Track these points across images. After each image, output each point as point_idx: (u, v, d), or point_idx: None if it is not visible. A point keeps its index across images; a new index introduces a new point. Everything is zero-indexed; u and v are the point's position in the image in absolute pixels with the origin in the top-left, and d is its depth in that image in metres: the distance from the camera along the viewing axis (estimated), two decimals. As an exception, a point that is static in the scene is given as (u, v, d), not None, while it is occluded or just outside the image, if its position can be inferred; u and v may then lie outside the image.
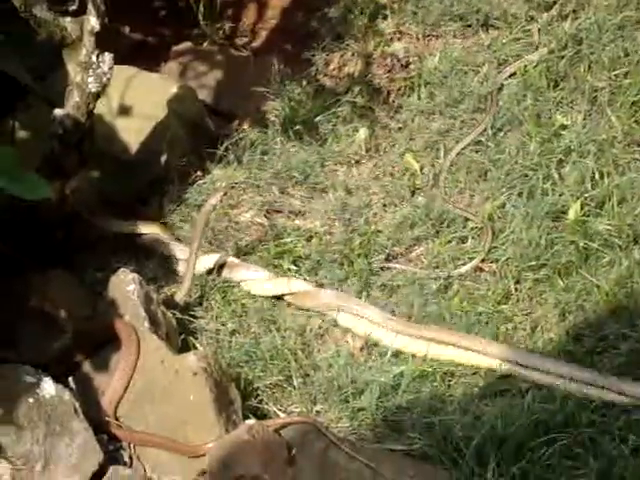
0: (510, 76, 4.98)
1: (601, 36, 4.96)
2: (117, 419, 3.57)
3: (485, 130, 4.76)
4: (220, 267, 4.30)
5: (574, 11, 5.10)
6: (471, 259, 4.33)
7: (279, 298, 4.23)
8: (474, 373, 3.94)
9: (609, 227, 4.32)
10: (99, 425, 3.50)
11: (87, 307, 3.99)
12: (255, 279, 4.28)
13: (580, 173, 4.52)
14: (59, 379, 3.51)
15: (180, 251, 4.37)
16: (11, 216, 3.85)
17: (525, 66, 4.95)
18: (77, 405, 3.44)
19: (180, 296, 4.16)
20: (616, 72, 4.85)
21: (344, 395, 3.86)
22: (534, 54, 4.97)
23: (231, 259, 4.32)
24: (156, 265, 4.37)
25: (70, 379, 3.62)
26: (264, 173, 4.70)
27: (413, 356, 3.99)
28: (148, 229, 4.45)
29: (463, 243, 4.42)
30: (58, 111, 4.01)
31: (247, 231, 4.54)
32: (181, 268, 4.31)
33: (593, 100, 4.82)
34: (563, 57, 4.94)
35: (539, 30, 5.06)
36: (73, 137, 4.04)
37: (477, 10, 5.12)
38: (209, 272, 4.28)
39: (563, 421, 3.65)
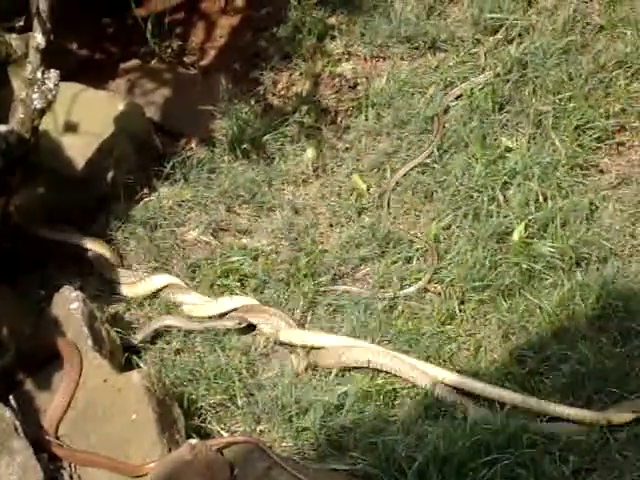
0: (456, 98, 5.02)
1: (546, 60, 5.01)
2: (58, 438, 3.55)
3: (432, 152, 4.79)
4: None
5: (520, 35, 5.15)
6: (417, 279, 4.35)
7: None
8: (417, 394, 3.96)
9: (552, 249, 4.36)
10: (40, 444, 3.47)
11: (30, 324, 3.96)
12: (196, 303, 4.30)
13: (524, 195, 4.57)
14: (0, 397, 3.47)
15: (123, 271, 4.40)
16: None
17: (471, 89, 5.00)
18: (18, 424, 3.41)
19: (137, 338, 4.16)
20: (560, 96, 4.91)
21: (288, 415, 3.85)
22: (480, 77, 5.02)
23: (175, 281, 4.34)
24: (100, 282, 4.34)
25: (11, 397, 3.57)
26: (211, 191, 4.70)
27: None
28: (93, 246, 4.43)
29: (409, 263, 4.44)
30: (1, 127, 3.99)
31: (193, 249, 4.53)
32: (124, 290, 4.34)
33: (538, 123, 4.87)
34: (509, 80, 4.99)
35: (485, 53, 5.10)
36: (17, 153, 4.02)
37: (425, 33, 5.15)
38: (154, 293, 4.28)
39: (505, 442, 3.67)
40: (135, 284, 4.35)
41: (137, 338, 4.13)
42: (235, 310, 4.26)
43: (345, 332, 4.17)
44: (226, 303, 4.28)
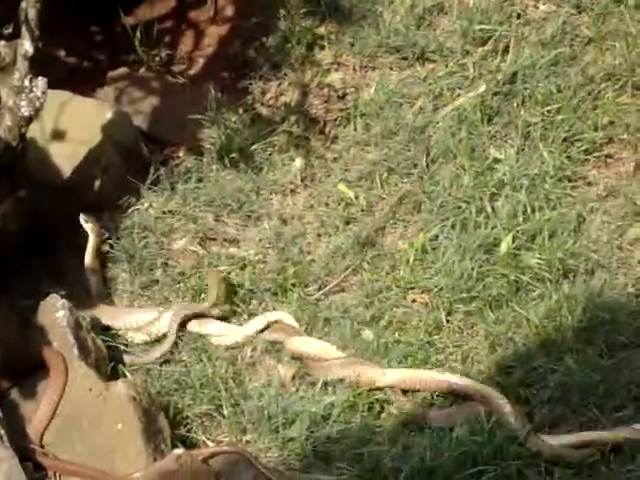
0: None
1: (535, 72, 5.02)
2: (43, 447, 3.53)
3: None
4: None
5: (509, 47, 5.15)
6: (403, 289, 4.35)
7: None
8: (403, 405, 3.96)
9: (540, 261, 4.37)
10: (25, 453, 3.45)
11: (16, 333, 3.94)
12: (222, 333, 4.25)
13: (512, 207, 4.57)
14: (-16, 406, 3.46)
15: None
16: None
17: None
18: (3, 432, 3.39)
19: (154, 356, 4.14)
20: (549, 108, 4.92)
21: (274, 425, 3.85)
22: (471, 92, 5.02)
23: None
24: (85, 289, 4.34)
25: (-4, 406, 3.57)
26: (198, 201, 4.69)
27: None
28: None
29: (394, 273, 4.43)
30: (-12, 134, 3.99)
31: (180, 259, 4.52)
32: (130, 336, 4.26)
33: (526, 135, 4.88)
34: (497, 92, 5.00)
35: (474, 64, 5.11)
36: (4, 160, 4.01)
37: (414, 43, 5.16)
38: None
39: (491, 453, 3.68)
40: (142, 329, 4.24)
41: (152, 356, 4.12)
42: (267, 328, 4.23)
43: (333, 342, 4.17)
44: (254, 325, 4.24)
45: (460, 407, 3.93)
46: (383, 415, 3.94)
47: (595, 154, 4.86)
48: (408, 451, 3.72)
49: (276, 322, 4.24)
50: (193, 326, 4.23)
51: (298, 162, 4.89)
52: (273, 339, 4.20)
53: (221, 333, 4.22)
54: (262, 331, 4.22)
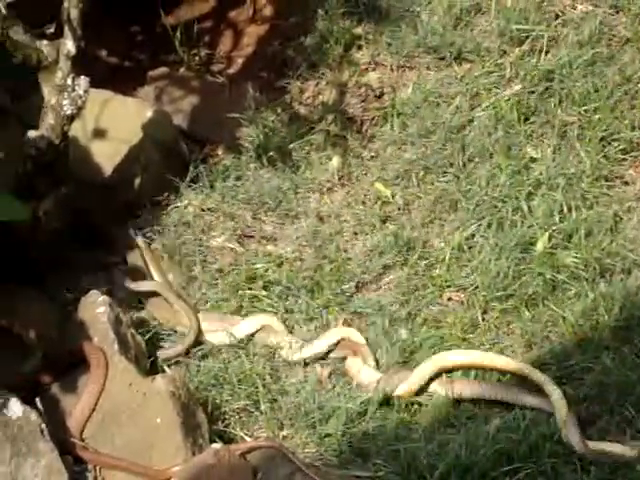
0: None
1: (572, 72, 5.01)
2: (83, 440, 3.58)
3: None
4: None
5: (546, 46, 5.14)
6: (439, 287, 4.37)
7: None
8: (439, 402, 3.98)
9: (576, 260, 4.37)
10: (65, 446, 3.50)
11: (57, 328, 4.00)
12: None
13: (549, 206, 4.57)
14: (26, 400, 3.50)
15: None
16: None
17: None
18: (44, 426, 3.43)
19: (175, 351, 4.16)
20: (586, 107, 4.91)
21: (311, 421, 3.88)
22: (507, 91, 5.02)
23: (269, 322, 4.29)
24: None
25: (37, 400, 3.62)
26: (237, 199, 4.72)
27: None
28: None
29: (431, 271, 4.45)
30: (32, 132, 4.04)
31: (219, 256, 4.56)
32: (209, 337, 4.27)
33: (563, 134, 4.87)
34: (534, 91, 4.99)
35: (511, 64, 5.10)
36: (46, 158, 4.06)
37: (451, 43, 5.16)
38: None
39: (527, 451, 3.69)
40: (217, 331, 4.25)
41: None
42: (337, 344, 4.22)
43: (370, 340, 4.19)
44: (324, 342, 4.23)
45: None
46: (418, 411, 3.96)
47: (632, 154, 4.84)
48: (443, 448, 3.72)
49: (343, 339, 4.22)
50: (262, 337, 4.25)
51: (335, 161, 4.91)
52: (340, 357, 4.19)
53: (289, 347, 4.20)
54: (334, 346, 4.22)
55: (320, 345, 4.19)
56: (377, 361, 4.13)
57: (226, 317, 4.30)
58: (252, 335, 4.24)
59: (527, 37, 5.18)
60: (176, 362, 4.10)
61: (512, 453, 3.67)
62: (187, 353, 4.15)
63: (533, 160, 4.79)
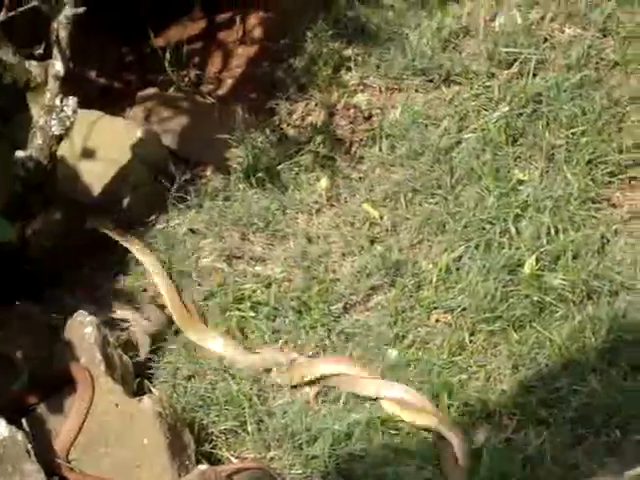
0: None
1: (560, 95, 5.02)
2: (69, 462, 3.57)
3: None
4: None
5: (534, 69, 5.17)
6: (427, 309, 4.38)
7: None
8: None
9: (563, 282, 4.38)
10: (51, 468, 3.49)
11: (44, 349, 3.99)
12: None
13: (536, 228, 4.59)
14: (12, 420, 3.49)
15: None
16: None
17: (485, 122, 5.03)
18: (30, 447, 3.42)
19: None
20: (573, 130, 4.92)
21: (298, 442, 3.88)
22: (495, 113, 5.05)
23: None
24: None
25: (24, 420, 3.61)
26: (225, 219, 4.72)
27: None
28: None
29: (418, 292, 4.46)
30: (20, 153, 4.05)
31: (207, 276, 4.56)
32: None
33: (550, 157, 4.89)
34: (522, 114, 5.01)
35: (499, 87, 5.12)
36: (35, 179, 4.07)
37: (439, 65, 5.18)
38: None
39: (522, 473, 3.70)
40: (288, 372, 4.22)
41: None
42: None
43: (357, 360, 4.20)
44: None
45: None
46: (406, 433, 3.97)
47: (619, 176, 4.86)
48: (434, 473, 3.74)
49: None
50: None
51: (324, 182, 4.92)
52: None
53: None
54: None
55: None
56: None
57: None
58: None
59: (515, 60, 5.20)
60: (163, 382, 4.09)
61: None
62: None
63: (521, 182, 4.80)
